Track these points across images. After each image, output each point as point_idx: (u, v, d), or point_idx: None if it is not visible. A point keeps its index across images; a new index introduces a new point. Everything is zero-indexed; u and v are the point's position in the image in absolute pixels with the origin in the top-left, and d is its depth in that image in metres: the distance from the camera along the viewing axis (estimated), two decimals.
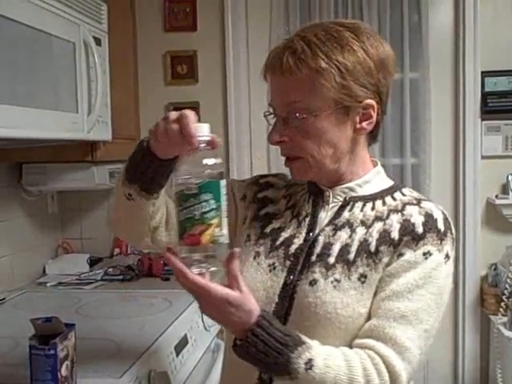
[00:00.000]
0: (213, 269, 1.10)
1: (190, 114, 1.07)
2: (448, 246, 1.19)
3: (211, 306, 1.09)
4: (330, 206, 1.27)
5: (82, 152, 2.33)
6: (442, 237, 1.18)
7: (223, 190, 1.08)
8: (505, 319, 2.67)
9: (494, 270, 2.86)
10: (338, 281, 1.17)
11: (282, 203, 1.35)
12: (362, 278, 1.17)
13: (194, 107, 2.92)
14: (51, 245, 2.87)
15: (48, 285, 2.56)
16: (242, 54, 2.95)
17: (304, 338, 1.11)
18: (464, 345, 2.97)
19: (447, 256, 1.18)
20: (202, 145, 1.07)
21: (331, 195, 1.28)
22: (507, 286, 2.62)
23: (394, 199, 1.25)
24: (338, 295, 1.16)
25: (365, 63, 1.17)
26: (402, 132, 2.93)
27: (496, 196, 2.85)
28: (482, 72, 2.85)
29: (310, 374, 1.08)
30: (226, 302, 1.07)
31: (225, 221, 1.09)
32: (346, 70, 1.15)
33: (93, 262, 2.82)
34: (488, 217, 2.93)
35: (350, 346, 1.15)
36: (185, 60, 2.93)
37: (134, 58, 2.88)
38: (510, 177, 2.86)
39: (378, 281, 1.17)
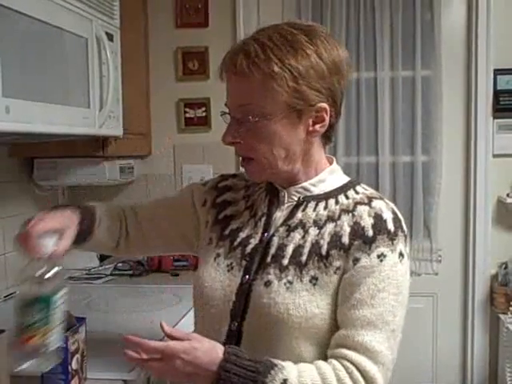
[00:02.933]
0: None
1: (34, 228, 1.22)
2: (400, 245, 1.20)
3: (177, 362, 1.10)
4: (286, 205, 1.30)
5: (93, 147, 2.34)
6: (392, 237, 1.19)
7: (58, 302, 1.16)
8: None
9: (505, 268, 2.85)
10: (290, 282, 1.20)
11: (241, 204, 1.38)
12: (314, 280, 1.20)
13: (205, 103, 2.93)
14: None
15: None
16: None
17: (275, 360, 1.13)
18: (473, 343, 2.96)
19: (401, 254, 1.20)
20: (42, 257, 1.16)
21: (286, 195, 1.30)
22: None
23: (347, 197, 1.27)
24: (290, 296, 1.19)
25: (318, 67, 1.18)
26: (413, 129, 2.92)
27: (507, 195, 2.84)
28: (495, 70, 2.83)
29: None
30: (191, 347, 1.11)
31: (56, 329, 1.17)
32: (298, 75, 1.17)
33: (102, 257, 2.82)
34: (499, 215, 2.91)
35: (312, 345, 1.19)
36: (196, 56, 2.93)
37: (146, 54, 2.89)
38: None
39: (338, 287, 1.19)
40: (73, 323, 1.37)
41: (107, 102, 2.00)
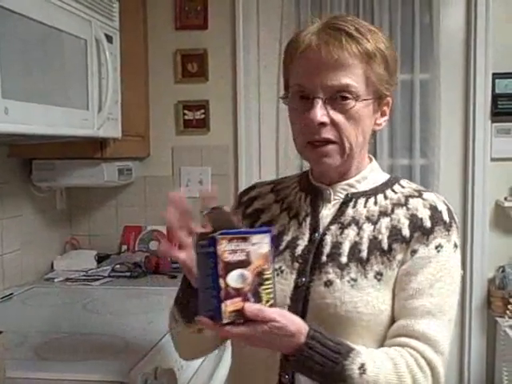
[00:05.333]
0: None
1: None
2: (454, 235, 1.22)
3: (264, 327, 1.01)
4: (332, 203, 1.27)
5: (91, 149, 2.34)
6: (448, 228, 1.21)
7: None
8: (511, 322, 2.66)
9: (502, 272, 2.85)
10: (354, 280, 1.17)
11: (275, 208, 1.34)
12: (378, 275, 1.18)
13: (204, 105, 2.94)
14: (59, 241, 2.89)
15: (56, 280, 2.57)
16: (253, 53, 2.94)
17: (352, 344, 1.11)
18: (470, 347, 2.96)
19: (455, 245, 1.22)
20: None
21: (332, 193, 1.28)
22: None
23: (395, 192, 1.27)
24: (356, 294, 1.16)
25: (393, 61, 1.21)
26: (412, 132, 2.92)
27: (505, 198, 2.84)
28: (493, 74, 2.83)
29: (364, 378, 1.08)
30: (280, 314, 1.03)
31: None
32: (386, 62, 1.19)
33: (100, 259, 2.82)
34: (496, 219, 2.92)
35: (377, 344, 1.17)
36: (195, 58, 2.93)
37: (145, 56, 2.89)
38: None
39: (396, 280, 1.19)
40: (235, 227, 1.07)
41: (106, 104, 2.00)
